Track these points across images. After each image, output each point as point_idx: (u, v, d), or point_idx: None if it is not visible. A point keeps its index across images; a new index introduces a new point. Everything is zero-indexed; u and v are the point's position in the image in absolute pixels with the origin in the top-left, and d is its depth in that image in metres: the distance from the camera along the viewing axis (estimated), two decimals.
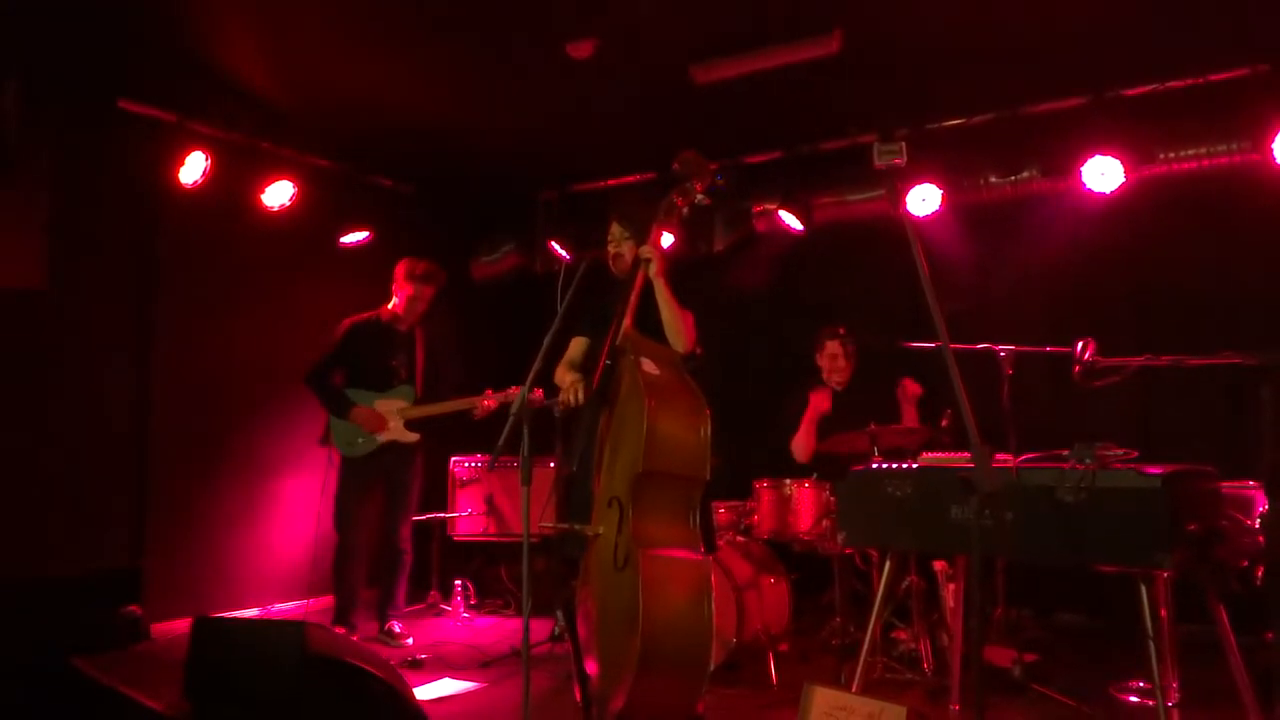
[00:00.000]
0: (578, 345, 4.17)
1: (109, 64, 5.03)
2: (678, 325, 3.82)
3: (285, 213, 5.87)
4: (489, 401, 5.15)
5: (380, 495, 5.22)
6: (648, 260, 3.80)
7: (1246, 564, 3.03)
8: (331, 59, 5.06)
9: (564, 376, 4.06)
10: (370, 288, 5.47)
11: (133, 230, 5.43)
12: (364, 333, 5.22)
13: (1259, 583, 3.01)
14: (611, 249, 4.07)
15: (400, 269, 5.27)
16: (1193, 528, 2.83)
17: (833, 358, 5.21)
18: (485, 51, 4.99)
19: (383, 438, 5.15)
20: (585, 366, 4.01)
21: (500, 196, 7.11)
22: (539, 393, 3.69)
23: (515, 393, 5.07)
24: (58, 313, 5.02)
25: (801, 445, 5.12)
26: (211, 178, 5.42)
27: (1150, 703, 2.97)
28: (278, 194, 5.80)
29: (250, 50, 4.98)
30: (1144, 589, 2.87)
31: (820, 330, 5.26)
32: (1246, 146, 4.75)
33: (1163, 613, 3.16)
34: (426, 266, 5.27)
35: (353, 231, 6.30)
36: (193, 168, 5.35)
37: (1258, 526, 2.98)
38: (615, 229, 4.09)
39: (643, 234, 3.99)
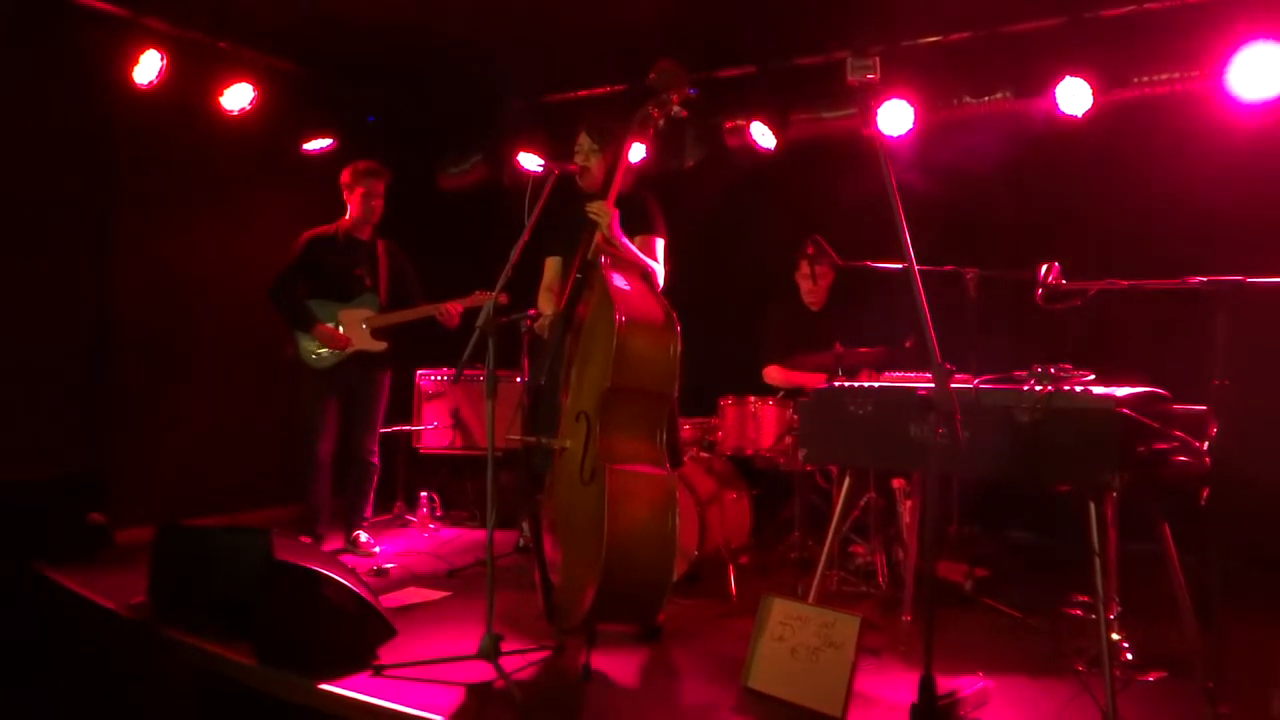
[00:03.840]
0: (552, 267, 4.14)
1: None
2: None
3: (245, 116, 5.71)
4: (454, 306, 5.10)
5: (347, 406, 5.20)
6: (598, 219, 3.72)
7: (1193, 485, 3.12)
8: None
9: (546, 304, 4.04)
10: (334, 196, 5.36)
11: (86, 130, 5.27)
12: (324, 244, 5.14)
13: (1203, 503, 3.10)
14: (579, 161, 4.01)
15: (346, 174, 5.18)
16: (1142, 449, 2.90)
17: (804, 278, 5.20)
18: None
19: (350, 348, 5.11)
20: (561, 286, 3.98)
21: (468, 106, 6.94)
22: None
23: (480, 297, 5.03)
24: (9, 210, 4.88)
25: (779, 378, 5.13)
26: (167, 78, 5.25)
27: (1093, 616, 3.08)
28: (237, 97, 5.64)
29: None
30: (1092, 507, 2.95)
31: (796, 251, 5.23)
32: (1211, 71, 4.74)
33: (1110, 531, 3.26)
34: (369, 163, 5.19)
35: (316, 138, 6.15)
36: (147, 67, 5.17)
37: (1205, 449, 3.06)
38: (583, 140, 4.03)
39: (611, 145, 3.92)
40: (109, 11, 5.15)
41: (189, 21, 5.39)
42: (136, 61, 5.15)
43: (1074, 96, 5.04)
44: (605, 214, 3.72)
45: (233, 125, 5.71)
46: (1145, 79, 4.95)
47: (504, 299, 3.48)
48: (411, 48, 5.99)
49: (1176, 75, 4.88)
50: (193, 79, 5.49)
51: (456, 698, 3.08)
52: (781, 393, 4.97)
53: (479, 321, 3.39)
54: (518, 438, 3.92)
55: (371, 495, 5.32)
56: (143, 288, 5.53)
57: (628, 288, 3.61)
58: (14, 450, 4.81)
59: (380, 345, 5.18)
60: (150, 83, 5.20)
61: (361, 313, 5.16)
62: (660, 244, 3.98)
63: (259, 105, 5.69)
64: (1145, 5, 4.99)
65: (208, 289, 5.82)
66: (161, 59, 5.18)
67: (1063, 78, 5.04)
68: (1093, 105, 5.03)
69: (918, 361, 4.48)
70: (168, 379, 5.65)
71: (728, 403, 4.93)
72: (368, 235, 5.26)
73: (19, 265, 4.97)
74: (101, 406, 5.39)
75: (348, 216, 5.21)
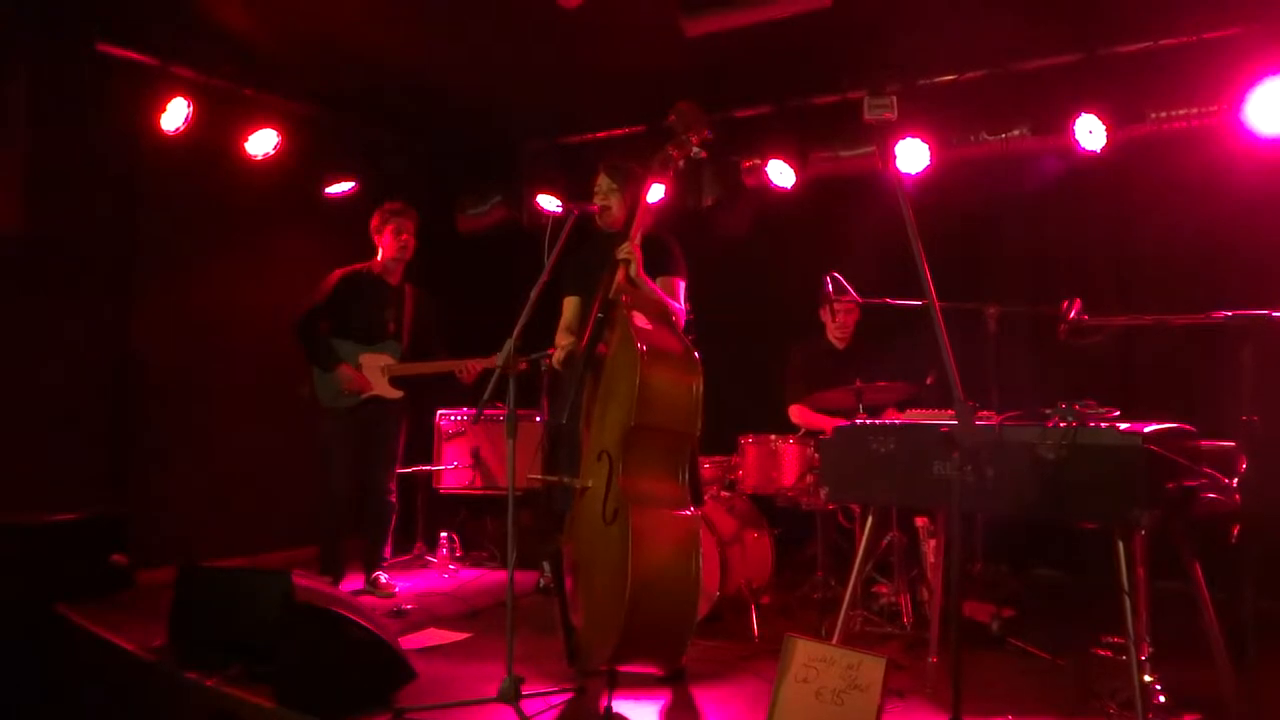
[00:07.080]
0: (570, 306, 4.15)
1: (87, 4, 4.91)
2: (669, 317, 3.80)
3: (269, 161, 5.79)
4: (475, 365, 5.11)
5: (364, 445, 5.20)
6: (626, 261, 3.75)
7: (1223, 522, 3.07)
8: (317, 1, 4.96)
9: (564, 342, 4.05)
10: (355, 239, 5.41)
11: (114, 176, 5.36)
12: (354, 284, 5.17)
13: (1234, 540, 3.05)
14: (599, 201, 4.04)
15: (374, 218, 5.23)
16: (1170, 486, 2.86)
17: (827, 317, 5.18)
18: None
19: (368, 392, 5.12)
20: (581, 326, 3.98)
21: (488, 148, 7.02)
22: (524, 365, 3.68)
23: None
24: (37, 256, 4.96)
25: (803, 419, 5.10)
26: (194, 124, 5.34)
27: (1124, 657, 3.02)
28: (261, 142, 5.72)
29: None
30: (1121, 545, 2.91)
31: (823, 288, 5.21)
32: (1228, 106, 4.73)
33: (1139, 570, 3.21)
34: (395, 203, 5.23)
35: (338, 182, 6.23)
36: (175, 114, 5.27)
37: (1235, 485, 3.02)
38: (602, 181, 4.06)
39: (630, 185, 3.95)
40: (139, 60, 5.26)
41: (215, 69, 5.50)
42: (164, 108, 5.25)
43: (1091, 133, 5.04)
44: (634, 255, 3.74)
45: (256, 169, 5.79)
46: (1162, 114, 4.95)
47: (523, 366, 3.52)
48: (431, 91, 6.08)
49: (1194, 111, 4.87)
50: (218, 125, 5.57)
51: None
52: (803, 431, 4.95)
53: (499, 361, 3.40)
54: (539, 477, 3.91)
55: (390, 535, 5.31)
56: (165, 331, 5.58)
57: (650, 327, 3.61)
58: (36, 492, 4.84)
59: (397, 394, 5.19)
60: (177, 129, 5.30)
61: (382, 358, 5.17)
62: (682, 285, 3.99)
63: (282, 149, 5.78)
64: (1160, 41, 5.00)
65: (230, 332, 5.87)
66: (189, 106, 5.28)
67: (1079, 114, 5.05)
68: (1109, 141, 5.03)
69: (940, 398, 4.45)
70: (189, 421, 5.68)
71: (748, 441, 4.90)
72: (397, 279, 5.29)
73: (44, 308, 5.03)
74: (123, 448, 5.41)
75: (379, 258, 5.24)
